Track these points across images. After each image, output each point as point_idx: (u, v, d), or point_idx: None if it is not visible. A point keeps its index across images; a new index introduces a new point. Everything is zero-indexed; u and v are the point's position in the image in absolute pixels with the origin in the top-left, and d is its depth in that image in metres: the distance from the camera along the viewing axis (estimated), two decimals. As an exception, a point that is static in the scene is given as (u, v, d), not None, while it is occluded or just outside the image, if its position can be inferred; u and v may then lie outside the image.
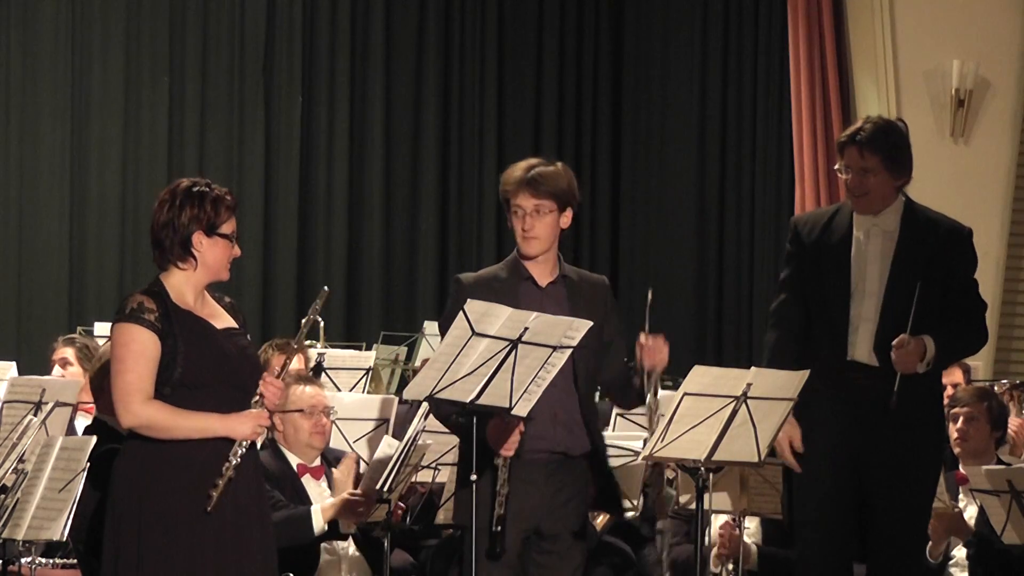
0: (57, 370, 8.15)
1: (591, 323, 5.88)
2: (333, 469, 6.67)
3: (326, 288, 5.61)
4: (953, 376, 8.21)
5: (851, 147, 5.99)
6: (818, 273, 6.03)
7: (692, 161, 11.85)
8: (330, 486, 6.68)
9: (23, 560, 6.69)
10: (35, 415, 6.79)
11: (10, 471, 6.37)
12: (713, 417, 5.99)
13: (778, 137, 11.43)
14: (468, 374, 6.06)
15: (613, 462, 6.60)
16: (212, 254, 5.19)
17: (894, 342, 5.90)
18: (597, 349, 5.95)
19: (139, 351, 4.88)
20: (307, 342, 9.41)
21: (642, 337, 5.87)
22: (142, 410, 4.87)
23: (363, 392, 8.24)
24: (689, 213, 11.86)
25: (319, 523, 6.47)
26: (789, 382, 6.03)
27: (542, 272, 5.88)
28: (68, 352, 8.17)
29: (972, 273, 6.13)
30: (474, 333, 6.04)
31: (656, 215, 11.97)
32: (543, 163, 5.85)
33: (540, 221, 5.79)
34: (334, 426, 6.92)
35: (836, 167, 6.10)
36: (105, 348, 6.26)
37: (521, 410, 6.48)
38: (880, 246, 6.01)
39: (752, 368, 6.08)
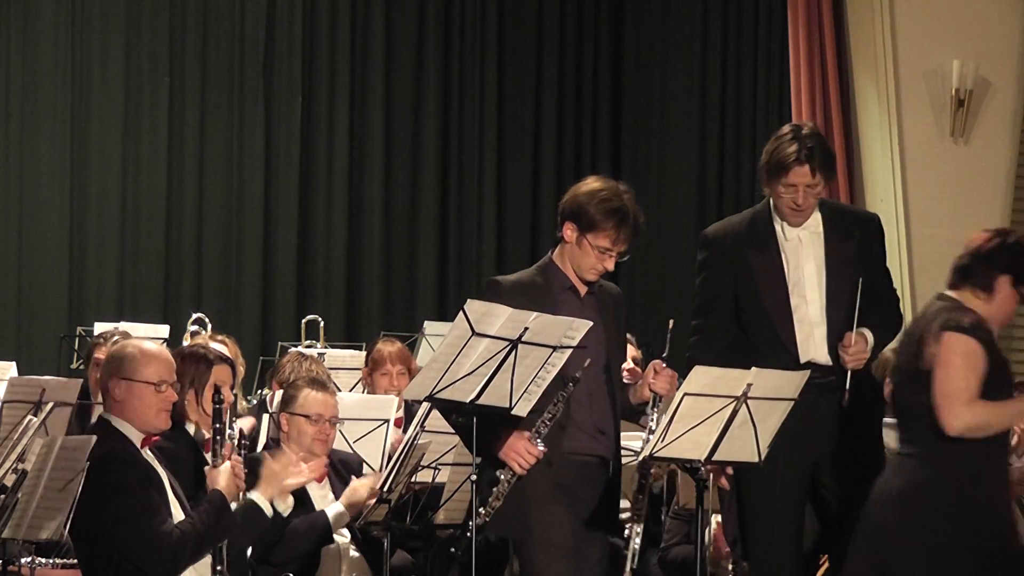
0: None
1: (591, 323, 5.89)
2: (354, 476, 6.69)
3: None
4: None
5: (800, 167, 5.92)
6: (750, 283, 6.02)
7: (692, 160, 11.87)
8: (333, 490, 6.69)
9: (23, 560, 6.72)
10: (35, 415, 6.80)
11: (10, 471, 6.39)
12: (713, 417, 5.98)
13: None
14: (468, 374, 6.08)
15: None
16: None
17: (843, 342, 5.93)
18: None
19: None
20: (307, 342, 9.44)
21: (657, 365, 5.82)
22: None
23: (363, 392, 8.24)
24: (689, 212, 11.88)
25: (337, 530, 6.54)
26: (789, 382, 6.04)
27: (580, 280, 5.85)
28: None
29: (886, 260, 6.21)
30: (474, 333, 6.06)
31: (656, 214, 11.94)
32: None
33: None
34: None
35: (769, 188, 6.00)
36: (117, 347, 6.27)
37: (521, 410, 6.49)
38: (811, 247, 6.01)
39: (752, 368, 6.08)
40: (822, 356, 6.00)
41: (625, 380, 7.88)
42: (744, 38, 11.79)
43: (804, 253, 6.01)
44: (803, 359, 6.00)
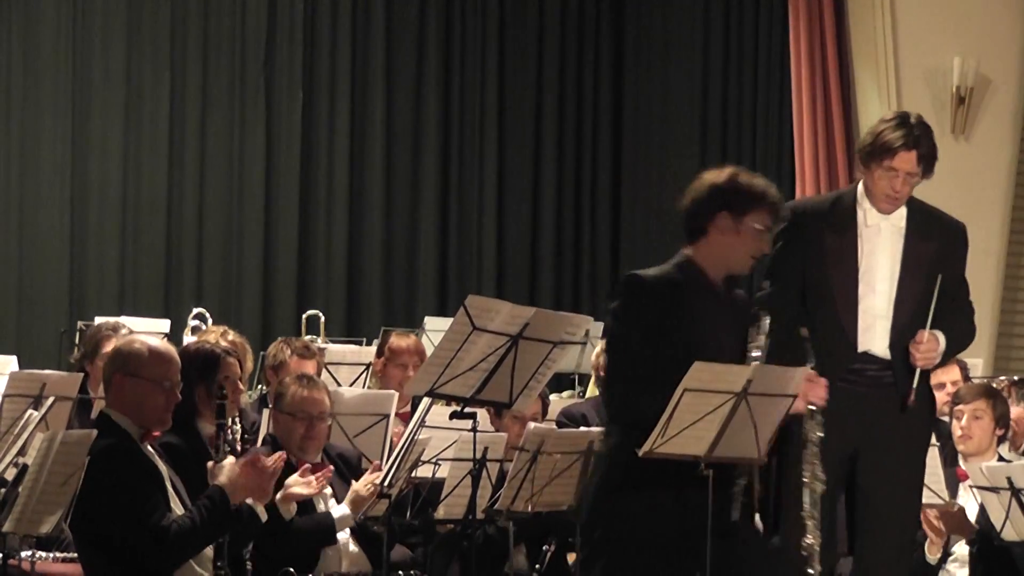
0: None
1: (590, 319, 5.89)
2: (354, 481, 6.66)
3: None
4: (951, 374, 8.23)
5: (907, 152, 5.89)
6: (821, 262, 5.94)
7: (693, 158, 11.87)
8: (331, 485, 6.66)
9: (23, 554, 6.74)
10: (35, 409, 6.81)
11: (10, 465, 6.40)
12: (713, 413, 5.99)
13: (779, 134, 11.48)
14: (469, 369, 6.09)
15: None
16: None
17: (916, 339, 5.87)
18: None
19: None
20: (308, 337, 9.45)
21: (811, 375, 5.60)
22: None
23: (364, 387, 8.25)
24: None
25: (341, 531, 6.55)
26: (790, 378, 6.03)
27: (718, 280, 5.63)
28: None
29: (965, 270, 6.12)
30: (475, 328, 6.07)
31: (657, 212, 11.98)
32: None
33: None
34: (335, 421, 6.92)
35: (866, 171, 5.92)
36: (124, 343, 6.28)
37: (521, 405, 6.52)
38: (889, 241, 5.95)
39: (753, 364, 6.08)
40: (880, 349, 5.93)
41: None
42: (745, 34, 11.81)
43: (881, 244, 5.95)
44: (861, 348, 5.93)
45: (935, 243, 5.98)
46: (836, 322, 5.91)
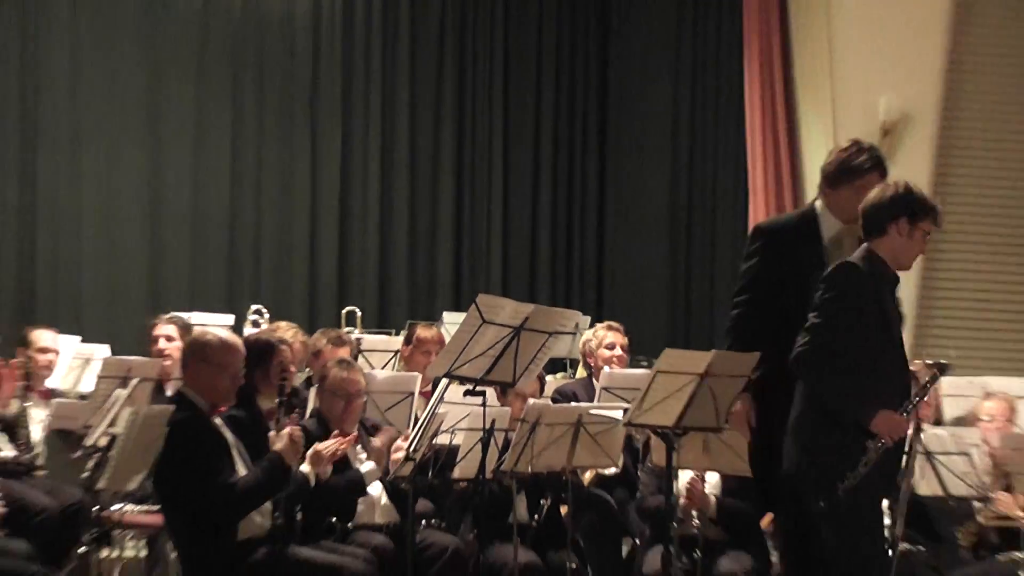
0: (162, 343, 8.03)
1: (579, 313, 5.89)
2: (372, 438, 6.68)
3: None
4: None
5: (874, 174, 5.78)
6: (796, 275, 5.75)
7: (664, 180, 11.79)
8: (365, 449, 6.68)
9: (114, 507, 6.76)
10: (123, 388, 6.87)
11: (103, 434, 6.46)
12: (680, 391, 6.03)
13: (735, 160, 11.40)
14: (479, 355, 6.15)
15: (596, 428, 6.65)
16: None
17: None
18: None
19: None
20: (346, 329, 9.45)
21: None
22: None
23: (393, 370, 8.26)
24: (662, 223, 11.78)
25: (370, 484, 6.55)
26: (743, 362, 6.04)
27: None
28: (171, 329, 8.09)
29: None
30: (484, 321, 6.13)
31: (634, 226, 11.92)
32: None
33: None
34: (370, 398, 6.91)
35: (834, 191, 5.80)
36: (199, 334, 6.35)
37: (522, 385, 6.58)
38: (850, 249, 5.74)
39: (712, 351, 6.12)
40: None
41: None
42: (708, 76, 11.67)
43: (845, 253, 5.73)
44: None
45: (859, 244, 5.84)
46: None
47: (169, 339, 8.02)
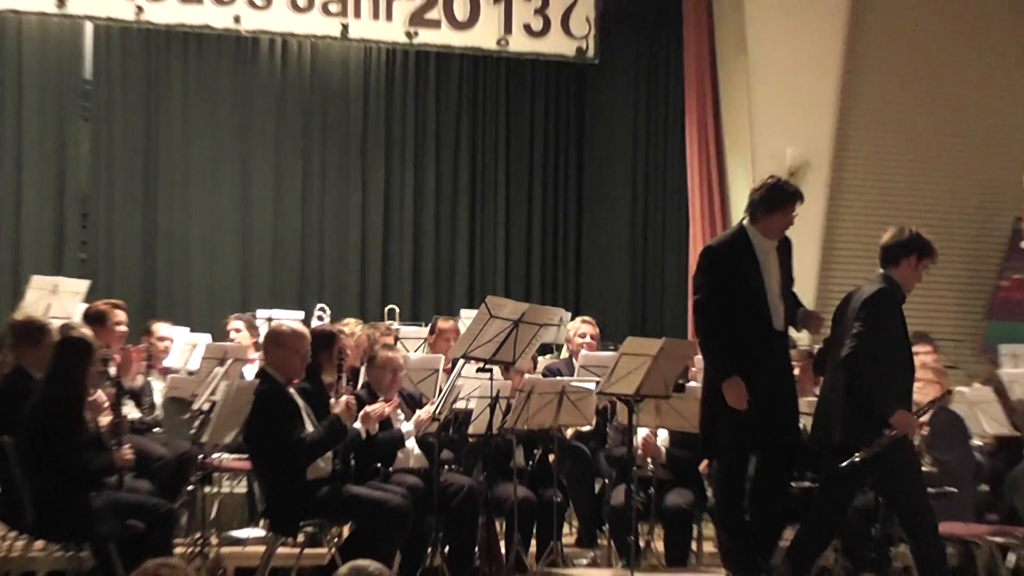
0: (232, 334, 8.14)
1: (562, 310, 5.86)
2: (418, 410, 6.64)
3: None
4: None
5: (797, 202, 5.75)
6: (742, 281, 5.63)
7: (626, 215, 11.65)
8: (404, 413, 6.65)
9: (214, 455, 6.80)
10: (220, 366, 6.88)
11: (206, 400, 6.47)
12: (639, 368, 6.04)
13: (679, 197, 11.31)
14: (487, 341, 6.17)
15: (575, 396, 6.62)
16: None
17: (812, 314, 5.77)
18: None
19: None
20: (387, 322, 9.43)
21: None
22: None
23: (423, 353, 8.26)
24: (624, 246, 11.70)
25: (407, 439, 6.55)
26: (685, 347, 6.04)
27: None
28: (239, 323, 8.25)
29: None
30: (491, 316, 6.14)
31: (604, 249, 11.78)
32: None
33: None
34: (407, 374, 6.88)
35: (767, 215, 5.66)
36: (276, 325, 6.34)
37: (520, 363, 6.57)
38: (772, 257, 5.75)
39: (663, 338, 6.12)
40: (781, 326, 5.72)
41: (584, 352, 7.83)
42: (657, 135, 11.59)
43: (770, 263, 5.73)
44: (776, 327, 5.69)
45: (783, 255, 5.84)
46: (762, 312, 5.67)
47: (237, 331, 8.13)
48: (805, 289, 5.74)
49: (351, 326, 7.77)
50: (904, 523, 5.52)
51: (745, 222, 5.80)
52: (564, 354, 8.42)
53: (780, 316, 5.69)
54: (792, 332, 5.88)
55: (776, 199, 5.73)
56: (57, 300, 7.92)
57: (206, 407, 6.39)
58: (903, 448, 5.39)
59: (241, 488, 7.55)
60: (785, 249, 5.83)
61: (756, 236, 5.72)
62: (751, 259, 5.66)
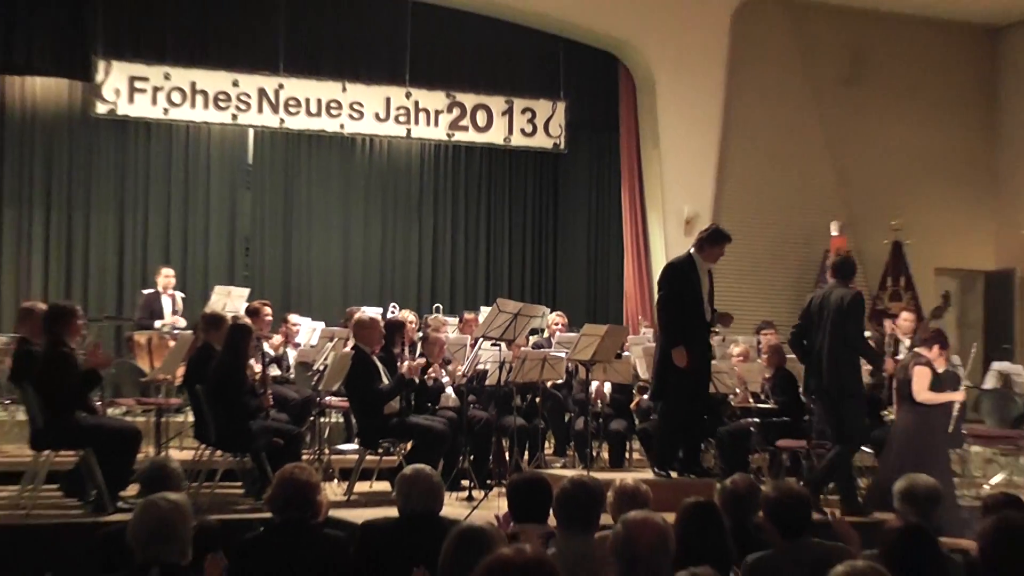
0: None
1: (545, 307, 5.77)
2: (448, 364, 6.55)
3: None
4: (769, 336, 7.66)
5: (728, 241, 5.56)
6: (691, 292, 5.44)
7: (585, 252, 11.24)
8: (443, 369, 6.57)
9: (326, 398, 6.65)
10: (330, 342, 6.84)
11: (321, 363, 6.42)
12: (592, 343, 6.01)
13: (618, 241, 10.95)
14: (497, 327, 6.13)
15: (553, 361, 6.40)
16: None
17: (724, 314, 5.61)
18: None
19: None
20: (435, 315, 9.33)
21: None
22: None
23: (455, 335, 8.16)
24: (583, 269, 11.37)
25: (446, 388, 6.47)
26: (622, 331, 5.98)
27: None
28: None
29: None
30: (499, 311, 6.11)
31: (572, 270, 11.35)
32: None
33: None
34: (447, 349, 6.82)
35: (710, 247, 5.42)
36: (360, 315, 6.21)
37: (518, 341, 6.49)
38: (707, 278, 5.61)
39: (608, 325, 6.07)
40: (708, 318, 5.56)
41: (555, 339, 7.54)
42: (603, 201, 11.17)
43: (706, 279, 5.57)
44: (705, 319, 5.48)
45: (710, 277, 5.68)
46: (698, 310, 5.52)
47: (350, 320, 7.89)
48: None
49: (410, 316, 7.71)
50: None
51: (692, 251, 5.58)
52: (546, 335, 8.38)
53: (708, 312, 5.57)
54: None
55: (717, 238, 5.58)
56: (230, 301, 7.90)
57: (321, 368, 6.38)
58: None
59: (341, 419, 7.46)
60: (710, 273, 5.75)
61: (699, 261, 5.55)
62: (696, 275, 5.50)
